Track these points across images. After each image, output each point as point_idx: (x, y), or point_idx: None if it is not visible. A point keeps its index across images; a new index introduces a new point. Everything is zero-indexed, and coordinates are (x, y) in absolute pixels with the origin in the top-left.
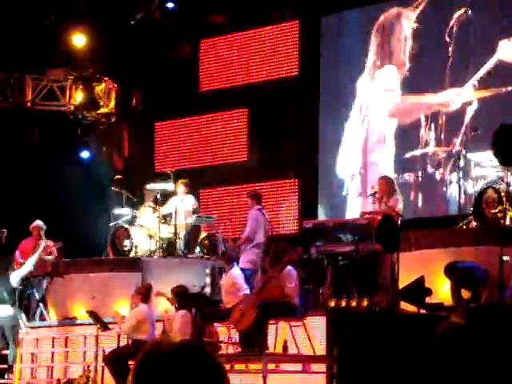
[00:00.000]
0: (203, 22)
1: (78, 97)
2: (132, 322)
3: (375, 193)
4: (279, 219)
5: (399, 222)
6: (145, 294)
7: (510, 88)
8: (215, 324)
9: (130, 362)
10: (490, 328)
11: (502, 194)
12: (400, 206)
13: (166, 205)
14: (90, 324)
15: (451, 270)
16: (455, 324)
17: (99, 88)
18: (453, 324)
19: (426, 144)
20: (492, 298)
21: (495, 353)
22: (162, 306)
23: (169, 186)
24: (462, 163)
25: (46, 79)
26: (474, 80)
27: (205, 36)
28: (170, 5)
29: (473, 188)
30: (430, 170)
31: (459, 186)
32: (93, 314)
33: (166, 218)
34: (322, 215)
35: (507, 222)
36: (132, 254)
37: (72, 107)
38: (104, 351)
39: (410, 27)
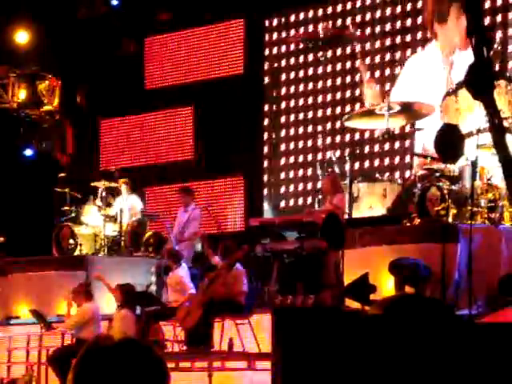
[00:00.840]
0: (148, 19)
1: (21, 94)
2: (76, 320)
3: (318, 190)
4: (225, 217)
5: (344, 220)
6: (86, 292)
7: None
8: (160, 322)
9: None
10: (404, 316)
11: (445, 191)
12: (345, 203)
13: (112, 207)
14: (33, 323)
15: (395, 267)
16: (373, 315)
17: (43, 85)
18: (371, 315)
19: None
20: (435, 294)
21: (408, 339)
22: (108, 303)
23: (113, 184)
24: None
25: None
26: None
27: (150, 33)
28: (115, 1)
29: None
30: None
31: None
32: (36, 313)
33: (110, 217)
34: (267, 213)
35: (450, 220)
36: (77, 253)
37: (15, 105)
38: (48, 351)
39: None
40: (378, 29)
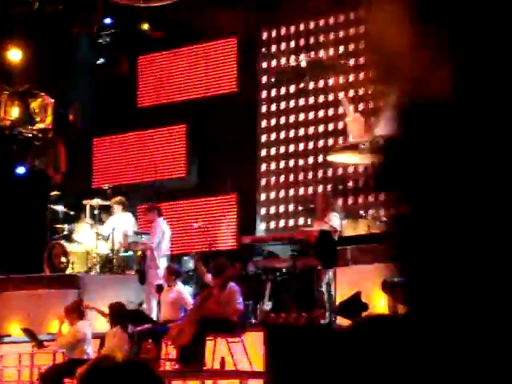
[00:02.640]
0: (141, 37)
1: (14, 112)
2: (69, 339)
3: (309, 207)
4: (218, 235)
5: (336, 238)
6: (79, 310)
7: None
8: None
9: (66, 380)
10: (362, 339)
11: None
12: (337, 222)
13: (105, 225)
14: (24, 342)
15: (388, 286)
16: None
17: (35, 103)
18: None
19: None
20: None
21: (361, 364)
22: (100, 322)
23: (106, 202)
24: None
25: None
26: None
27: (143, 51)
28: (108, 20)
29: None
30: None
31: None
32: (28, 332)
33: (103, 235)
34: (259, 231)
35: None
36: (69, 271)
37: (8, 122)
38: (39, 369)
39: None
40: (361, 60)
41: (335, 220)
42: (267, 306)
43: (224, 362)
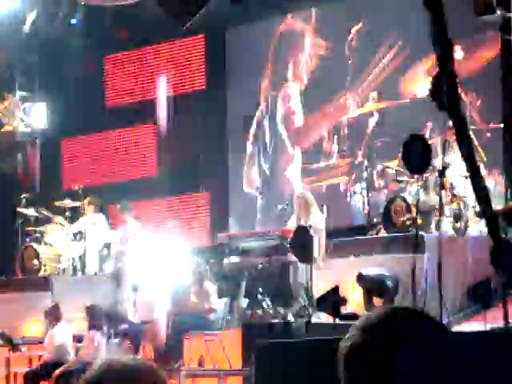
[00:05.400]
0: (108, 37)
1: None
2: (50, 342)
3: (287, 204)
4: (191, 233)
5: (312, 233)
6: (56, 315)
7: (408, 100)
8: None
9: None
10: (393, 341)
11: (410, 202)
12: (316, 217)
13: (76, 223)
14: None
15: (363, 279)
16: (356, 343)
17: (3, 106)
18: (353, 343)
19: (330, 156)
20: (404, 305)
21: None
22: (79, 323)
23: (77, 203)
24: (365, 174)
25: None
26: (373, 92)
27: (110, 51)
28: (74, 21)
29: (378, 198)
30: (333, 181)
31: (363, 197)
32: (3, 336)
33: (75, 236)
34: (233, 228)
35: (415, 230)
36: (41, 274)
37: None
38: (15, 373)
39: (309, 42)
40: None
41: (313, 215)
42: (243, 303)
43: (203, 359)
